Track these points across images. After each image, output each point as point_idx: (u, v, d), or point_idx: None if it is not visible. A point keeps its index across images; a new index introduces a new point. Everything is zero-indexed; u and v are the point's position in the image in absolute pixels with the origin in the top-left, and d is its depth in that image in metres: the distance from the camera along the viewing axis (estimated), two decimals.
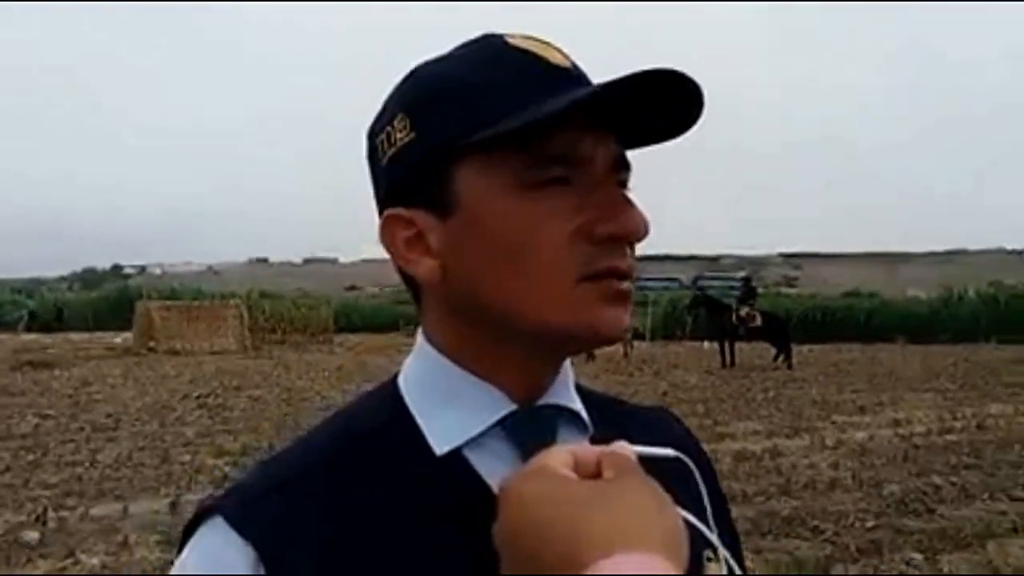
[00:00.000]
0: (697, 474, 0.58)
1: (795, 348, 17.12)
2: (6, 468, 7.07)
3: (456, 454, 0.58)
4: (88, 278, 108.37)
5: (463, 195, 0.56)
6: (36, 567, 4.65)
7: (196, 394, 12.30)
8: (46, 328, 34.51)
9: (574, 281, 0.56)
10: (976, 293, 29.61)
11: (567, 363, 0.63)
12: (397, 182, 0.59)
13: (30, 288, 60.18)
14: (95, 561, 4.72)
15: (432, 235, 0.58)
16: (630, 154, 0.60)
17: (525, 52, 0.58)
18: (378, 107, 0.63)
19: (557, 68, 0.58)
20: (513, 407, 0.59)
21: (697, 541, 0.53)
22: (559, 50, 0.59)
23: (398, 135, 0.59)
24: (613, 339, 0.57)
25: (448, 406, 0.59)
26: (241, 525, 0.54)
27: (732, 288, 26.37)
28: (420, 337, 0.63)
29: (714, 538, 0.55)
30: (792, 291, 52.23)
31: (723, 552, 0.54)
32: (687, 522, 0.47)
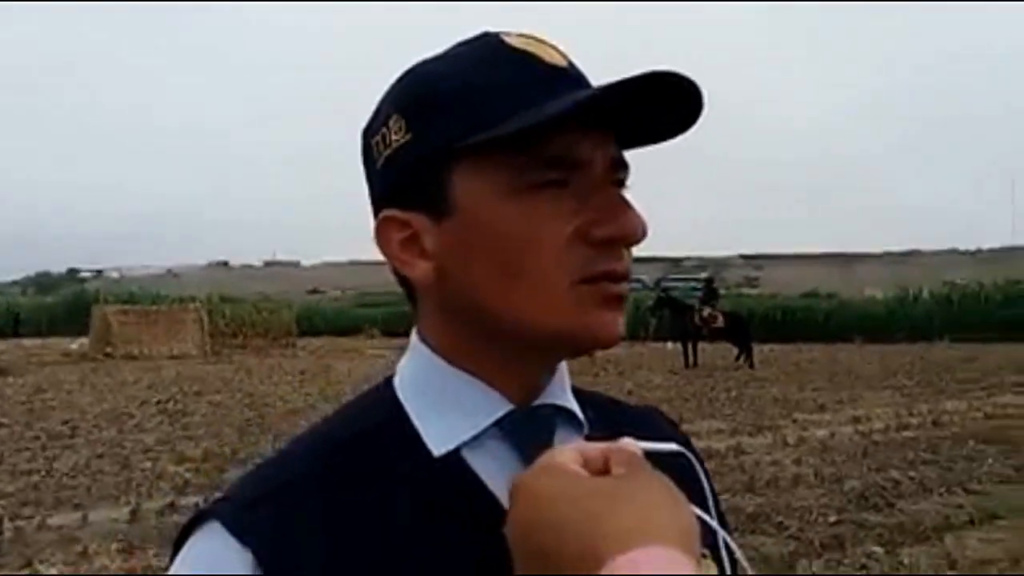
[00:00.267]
0: (700, 469, 0.58)
1: (756, 348, 17.35)
2: None
3: (454, 455, 0.58)
4: (43, 282, 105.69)
5: (459, 197, 0.56)
6: None
7: (155, 400, 12.08)
8: (0, 334, 33.63)
9: (571, 284, 0.55)
10: (930, 293, 30.29)
11: (563, 363, 0.63)
12: (393, 184, 0.59)
13: None
14: (54, 571, 4.62)
15: (428, 237, 0.58)
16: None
17: (523, 52, 0.57)
18: (371, 108, 0.62)
19: (555, 68, 0.57)
20: (510, 407, 0.59)
21: (705, 536, 0.53)
22: (556, 49, 0.59)
23: (394, 136, 0.58)
24: (610, 342, 0.57)
25: (445, 407, 0.59)
26: (239, 531, 0.53)
27: (695, 289, 26.59)
28: (414, 338, 0.63)
29: (723, 533, 0.55)
30: (753, 292, 52.89)
31: (733, 545, 0.55)
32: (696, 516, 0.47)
